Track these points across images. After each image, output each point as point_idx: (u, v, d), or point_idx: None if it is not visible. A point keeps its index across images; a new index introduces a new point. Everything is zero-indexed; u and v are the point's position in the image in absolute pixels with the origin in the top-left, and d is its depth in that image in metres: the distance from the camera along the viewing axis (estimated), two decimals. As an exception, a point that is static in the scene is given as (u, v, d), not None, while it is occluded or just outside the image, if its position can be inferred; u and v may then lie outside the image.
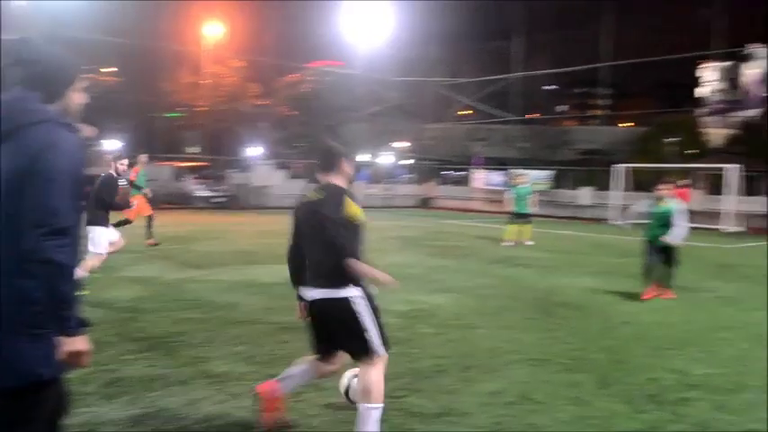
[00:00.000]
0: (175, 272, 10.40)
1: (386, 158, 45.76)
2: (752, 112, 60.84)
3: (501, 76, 41.08)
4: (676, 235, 9.65)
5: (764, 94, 45.83)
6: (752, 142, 49.44)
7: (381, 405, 4.14)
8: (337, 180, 4.34)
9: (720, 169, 29.90)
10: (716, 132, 52.06)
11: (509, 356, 6.48)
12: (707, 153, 42.95)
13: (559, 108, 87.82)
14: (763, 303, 9.99)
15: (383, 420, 4.22)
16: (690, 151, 46.87)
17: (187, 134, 45.87)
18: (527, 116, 47.47)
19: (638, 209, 10.57)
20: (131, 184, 13.46)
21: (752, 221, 28.73)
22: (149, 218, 14.83)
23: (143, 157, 15.84)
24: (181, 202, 30.89)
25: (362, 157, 44.02)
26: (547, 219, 34.32)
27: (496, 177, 40.40)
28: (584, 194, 36.50)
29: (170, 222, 15.23)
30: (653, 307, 9.34)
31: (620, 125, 74.86)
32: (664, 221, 9.71)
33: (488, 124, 47.41)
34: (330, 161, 4.36)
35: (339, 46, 42.69)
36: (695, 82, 46.96)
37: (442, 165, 49.49)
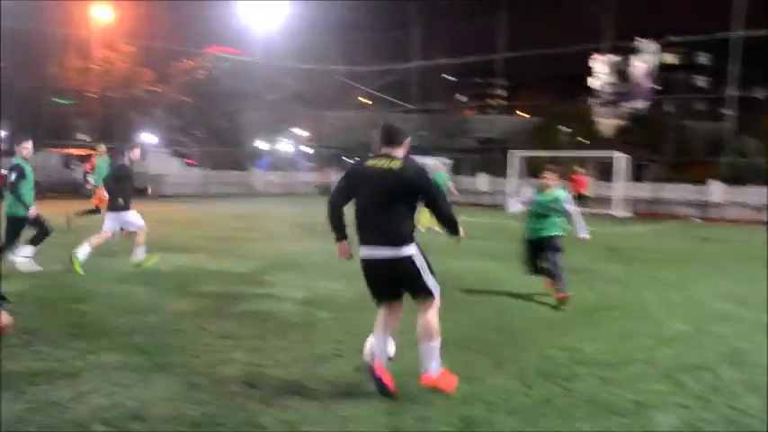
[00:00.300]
0: (66, 262, 9.97)
1: (285, 146, 45.33)
2: (640, 104, 63.44)
3: (400, 66, 41.27)
4: (582, 227, 8.84)
5: (652, 87, 47.84)
6: (640, 132, 51.60)
7: (440, 339, 5.01)
8: (401, 154, 4.98)
9: (610, 157, 31.06)
10: (606, 122, 53.98)
11: (406, 338, 6.51)
12: (598, 142, 44.49)
13: (458, 98, 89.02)
14: (649, 283, 10.46)
15: (271, 404, 4.35)
16: (582, 140, 48.52)
17: (77, 121, 44.07)
18: (426, 105, 47.96)
19: (522, 197, 9.61)
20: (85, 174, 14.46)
21: (639, 207, 30.04)
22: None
23: (102, 147, 15.73)
24: (71, 190, 29.64)
25: (261, 145, 43.49)
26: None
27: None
28: (482, 181, 37.24)
29: (63, 212, 14.60)
30: (543, 288, 9.61)
31: (516, 114, 76.79)
32: (549, 210, 8.82)
33: (388, 113, 47.63)
34: (398, 137, 5.03)
35: (236, 32, 41.85)
36: (588, 73, 48.51)
37: (343, 152, 49.46)
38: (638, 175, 37.60)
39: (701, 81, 79.67)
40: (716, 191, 30.14)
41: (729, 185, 30.64)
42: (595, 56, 44.84)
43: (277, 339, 6.38)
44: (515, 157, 31.94)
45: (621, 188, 29.76)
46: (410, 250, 4.86)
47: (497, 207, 30.06)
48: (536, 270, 8.95)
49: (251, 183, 38.50)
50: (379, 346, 5.12)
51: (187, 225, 17.45)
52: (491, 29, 36.25)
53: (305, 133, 49.64)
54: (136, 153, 11.00)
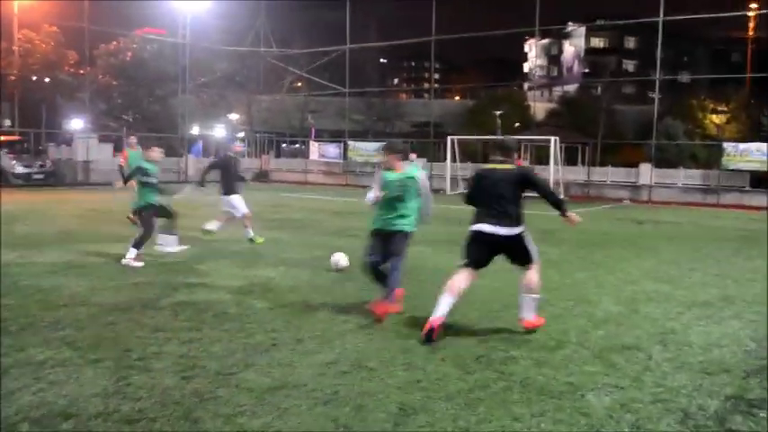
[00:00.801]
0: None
1: (218, 131, 44.61)
2: (570, 87, 64.42)
3: (333, 48, 40.90)
4: (429, 208, 7.81)
5: (582, 71, 48.71)
6: (571, 115, 52.54)
7: (539, 295, 6.54)
8: (513, 161, 6.72)
9: (544, 141, 31.52)
10: (539, 106, 54.72)
11: (344, 326, 6.50)
12: (531, 125, 45.13)
13: (392, 81, 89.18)
14: (582, 265, 10.66)
15: (206, 397, 4.33)
16: (516, 124, 49.14)
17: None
18: (360, 89, 47.80)
19: (374, 182, 7.71)
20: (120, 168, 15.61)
21: (572, 189, 30.61)
22: None
23: (132, 139, 16.84)
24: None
25: (193, 130, 42.71)
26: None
27: (333, 149, 40.53)
28: (419, 166, 37.33)
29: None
30: (481, 272, 9.67)
31: (451, 98, 77.33)
32: (403, 190, 7.33)
33: (322, 96, 47.31)
34: (512, 151, 6.74)
35: (163, 13, 40.74)
36: (522, 58, 49.11)
37: (278, 137, 49.00)
38: (570, 158, 38.29)
39: (629, 65, 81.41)
40: (645, 173, 30.87)
41: (658, 168, 31.41)
42: (530, 40, 45.25)
43: (212, 330, 6.27)
44: (452, 141, 32.07)
45: (555, 171, 30.25)
46: (522, 228, 6.46)
47: (436, 192, 30.13)
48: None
49: (184, 169, 37.81)
50: (446, 304, 6.26)
51: (117, 214, 17.01)
52: (425, 12, 36.10)
53: (238, 117, 48.93)
54: (236, 147, 13.50)
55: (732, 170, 28.22)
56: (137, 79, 40.74)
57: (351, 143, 39.66)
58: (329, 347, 5.80)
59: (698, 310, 7.58)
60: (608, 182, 31.97)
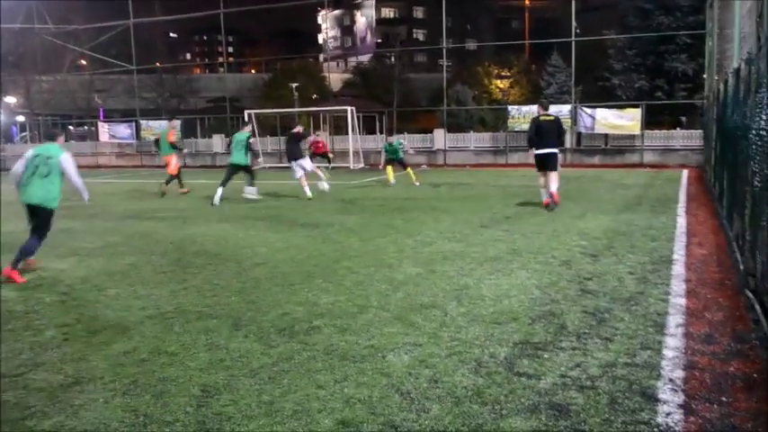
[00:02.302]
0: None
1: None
2: (364, 58, 65.43)
3: (115, 23, 38.75)
4: (83, 189, 8.55)
5: (375, 41, 49.63)
6: (366, 86, 53.54)
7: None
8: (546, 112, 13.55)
9: (341, 111, 31.88)
10: (335, 77, 55.21)
11: (141, 313, 6.25)
12: (328, 96, 45.47)
13: (184, 56, 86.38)
14: (383, 231, 10.93)
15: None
16: (314, 96, 49.30)
17: None
18: (150, 65, 45.84)
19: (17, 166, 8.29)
20: (173, 146, 18.92)
21: (372, 158, 31.28)
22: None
23: (175, 122, 21.99)
24: None
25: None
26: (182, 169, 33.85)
27: (124, 130, 38.68)
28: (218, 142, 36.58)
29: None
30: (284, 246, 9.70)
31: (247, 72, 76.11)
32: (38, 169, 8.13)
33: (108, 75, 44.81)
34: (547, 105, 14.09)
35: None
36: (316, 29, 49.15)
37: (63, 120, 45.98)
38: (368, 127, 39.04)
39: (420, 34, 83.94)
40: (440, 138, 32.13)
41: (451, 132, 32.77)
42: (322, 11, 45.40)
43: (-6, 331, 5.81)
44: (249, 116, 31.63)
45: (354, 141, 30.72)
46: (557, 149, 13.03)
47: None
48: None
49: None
50: (546, 189, 13.05)
51: None
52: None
53: (15, 100, 45.35)
54: (298, 129, 17.17)
55: (517, 131, 30.09)
56: None
57: (143, 122, 38.04)
58: (126, 336, 5.56)
59: (489, 265, 8.02)
60: (406, 148, 32.90)
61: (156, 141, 19.98)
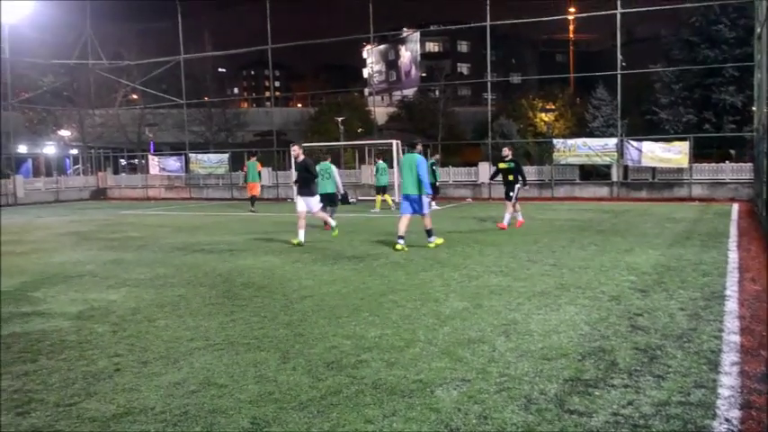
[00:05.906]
0: None
1: (49, 149, 42.24)
2: (409, 91, 65.89)
3: (166, 59, 39.67)
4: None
5: (419, 75, 49.97)
6: (411, 119, 53.83)
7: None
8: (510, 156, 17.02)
9: (386, 144, 32.08)
10: (380, 110, 55.64)
11: (191, 345, 6.32)
12: (373, 130, 45.82)
13: (232, 90, 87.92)
14: (428, 265, 10.92)
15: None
16: (359, 129, 49.72)
17: None
18: (198, 99, 46.75)
19: None
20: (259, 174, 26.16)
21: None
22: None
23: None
24: None
25: (20, 150, 40.25)
26: (229, 202, 34.34)
27: (173, 163, 39.43)
28: (265, 175, 37.02)
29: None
30: (330, 279, 9.75)
31: (293, 106, 77.21)
32: None
33: (158, 109, 45.80)
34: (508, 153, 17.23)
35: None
36: (361, 63, 49.73)
37: (115, 152, 47.06)
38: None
39: (464, 68, 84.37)
40: (484, 171, 32.07)
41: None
42: (367, 46, 45.88)
43: (49, 361, 5.92)
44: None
45: (398, 175, 30.76)
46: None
47: (281, 200, 30.03)
48: None
49: (13, 191, 35.56)
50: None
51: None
52: (261, 18, 35.81)
53: (69, 134, 46.56)
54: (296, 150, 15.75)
55: (563, 165, 29.94)
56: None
57: (192, 155, 38.75)
58: (176, 367, 5.62)
59: (536, 300, 7.96)
60: (450, 181, 32.95)
61: (244, 172, 27.55)
